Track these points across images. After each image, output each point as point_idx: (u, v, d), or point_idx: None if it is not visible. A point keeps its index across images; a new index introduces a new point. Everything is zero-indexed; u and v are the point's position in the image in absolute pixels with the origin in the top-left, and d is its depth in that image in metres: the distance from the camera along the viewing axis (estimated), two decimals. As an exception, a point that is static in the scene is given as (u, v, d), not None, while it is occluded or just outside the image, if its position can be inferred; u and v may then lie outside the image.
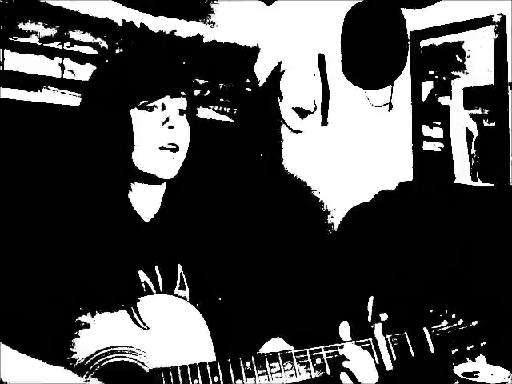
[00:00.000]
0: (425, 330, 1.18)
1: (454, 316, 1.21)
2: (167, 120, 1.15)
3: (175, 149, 1.16)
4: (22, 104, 2.02)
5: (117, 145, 1.14)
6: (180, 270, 1.20)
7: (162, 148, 1.15)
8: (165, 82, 1.17)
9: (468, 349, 1.18)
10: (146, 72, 1.17)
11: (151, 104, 1.15)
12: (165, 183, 1.24)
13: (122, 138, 1.14)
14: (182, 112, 1.19)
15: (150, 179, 1.18)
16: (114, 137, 1.14)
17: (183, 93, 1.19)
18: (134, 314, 1.04)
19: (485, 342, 1.18)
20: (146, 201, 1.21)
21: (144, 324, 1.04)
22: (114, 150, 1.15)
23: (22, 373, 0.97)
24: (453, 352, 1.17)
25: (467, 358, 1.17)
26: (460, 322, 1.21)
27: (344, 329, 1.15)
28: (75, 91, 2.14)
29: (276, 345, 1.21)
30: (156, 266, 1.17)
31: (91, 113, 1.20)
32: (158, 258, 1.18)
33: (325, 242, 2.59)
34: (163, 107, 1.16)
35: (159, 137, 1.15)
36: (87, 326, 1.03)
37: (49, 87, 2.10)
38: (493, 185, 2.07)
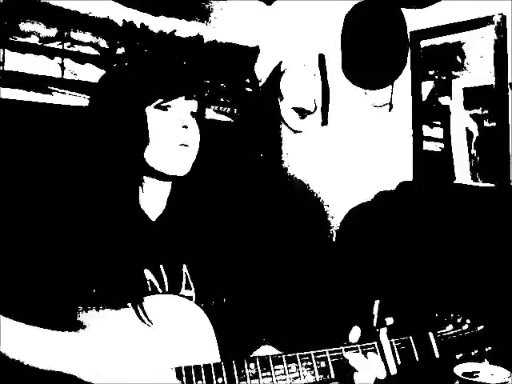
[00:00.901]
0: (430, 334, 1.17)
1: (459, 320, 1.20)
2: (181, 120, 1.17)
3: (187, 149, 1.18)
4: (21, 104, 2.02)
5: (131, 141, 1.15)
6: (185, 269, 1.20)
7: (176, 147, 1.16)
8: (182, 83, 1.19)
9: (473, 354, 1.17)
10: (164, 72, 1.19)
11: (167, 104, 1.17)
12: (170, 182, 1.24)
13: (137, 134, 1.14)
14: (193, 114, 1.21)
15: (161, 176, 1.19)
16: (129, 133, 1.15)
17: (195, 95, 1.21)
18: (139, 310, 1.05)
19: (490, 348, 1.18)
20: (152, 199, 1.22)
21: (149, 320, 1.05)
22: (127, 147, 1.16)
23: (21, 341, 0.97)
24: (457, 357, 1.17)
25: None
26: (465, 326, 1.20)
27: (354, 333, 1.15)
28: (75, 91, 2.14)
29: (266, 352, 1.21)
30: (161, 265, 1.17)
31: (104, 109, 1.20)
32: (164, 257, 1.18)
33: (325, 243, 2.59)
34: (178, 108, 1.18)
35: (173, 136, 1.16)
36: (91, 324, 1.03)
37: (49, 87, 2.10)
38: (493, 185, 2.07)
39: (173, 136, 1.16)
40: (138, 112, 1.15)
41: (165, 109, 1.17)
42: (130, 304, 1.05)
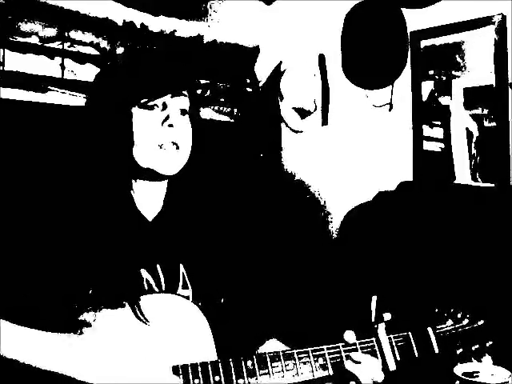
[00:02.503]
0: (429, 329, 1.17)
1: (459, 315, 1.20)
2: (167, 118, 1.15)
3: (175, 148, 1.16)
4: (21, 104, 2.02)
5: (118, 142, 1.15)
6: (182, 269, 1.20)
7: (162, 146, 1.15)
8: (165, 81, 1.17)
9: (473, 349, 1.17)
10: (146, 71, 1.18)
11: (152, 103, 1.15)
12: (166, 182, 1.24)
13: (123, 135, 1.14)
14: (183, 112, 1.19)
15: (152, 175, 1.18)
16: (115, 135, 1.15)
17: (185, 92, 1.19)
18: (136, 309, 1.05)
19: (490, 342, 1.17)
20: (148, 200, 1.22)
21: (145, 319, 1.05)
22: (115, 148, 1.15)
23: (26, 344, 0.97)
24: (458, 352, 1.16)
25: (472, 359, 1.16)
26: (465, 321, 1.19)
27: (349, 336, 1.14)
28: (75, 91, 2.14)
29: (272, 346, 1.21)
30: (158, 265, 1.17)
31: (94, 112, 1.20)
32: (161, 257, 1.18)
33: (325, 242, 2.59)
34: (164, 106, 1.16)
35: (159, 135, 1.15)
36: (89, 323, 1.03)
37: (49, 87, 2.10)
38: (493, 185, 2.07)
39: (158, 135, 1.15)
40: (124, 112, 1.14)
41: (151, 108, 1.15)
42: (126, 303, 1.05)
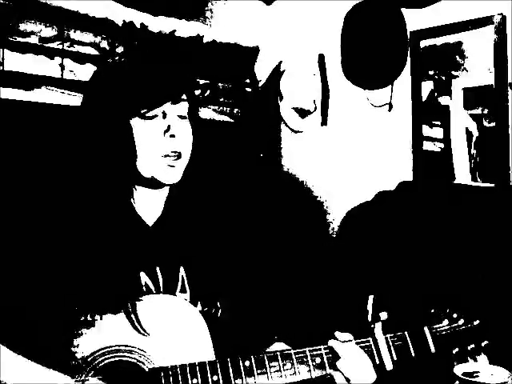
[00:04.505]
0: (425, 329, 1.18)
1: (455, 315, 1.21)
2: (168, 128, 1.13)
3: (177, 157, 1.15)
4: (22, 104, 2.02)
5: (119, 153, 1.13)
6: (182, 272, 1.19)
7: (165, 156, 1.14)
8: (164, 90, 1.15)
9: (469, 348, 1.18)
10: (144, 80, 1.15)
11: (152, 113, 1.13)
12: (168, 188, 1.23)
13: (124, 147, 1.12)
14: (183, 117, 1.17)
15: (154, 184, 1.18)
16: (116, 146, 1.13)
17: (184, 97, 1.18)
18: (135, 322, 1.05)
19: (486, 342, 1.18)
20: (149, 205, 1.21)
21: (144, 330, 1.05)
22: (117, 158, 1.14)
23: (20, 375, 0.98)
24: (454, 351, 1.17)
25: (468, 358, 1.17)
26: (461, 321, 1.20)
27: (343, 337, 1.15)
28: (75, 91, 2.14)
29: (278, 349, 1.21)
30: (158, 269, 1.16)
31: (92, 119, 1.18)
32: (160, 261, 1.17)
33: (325, 242, 2.60)
34: (164, 115, 1.14)
35: (161, 146, 1.13)
36: (89, 327, 1.03)
37: (49, 87, 2.10)
38: (493, 185, 2.07)
39: (160, 146, 1.13)
40: (123, 125, 1.12)
41: (151, 117, 1.13)
42: (124, 315, 1.05)
